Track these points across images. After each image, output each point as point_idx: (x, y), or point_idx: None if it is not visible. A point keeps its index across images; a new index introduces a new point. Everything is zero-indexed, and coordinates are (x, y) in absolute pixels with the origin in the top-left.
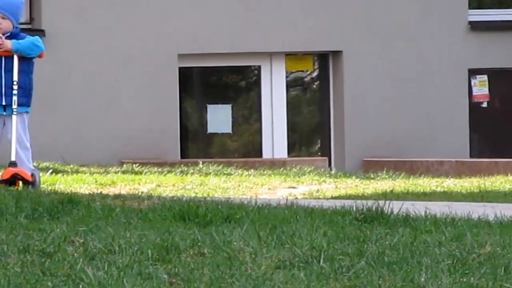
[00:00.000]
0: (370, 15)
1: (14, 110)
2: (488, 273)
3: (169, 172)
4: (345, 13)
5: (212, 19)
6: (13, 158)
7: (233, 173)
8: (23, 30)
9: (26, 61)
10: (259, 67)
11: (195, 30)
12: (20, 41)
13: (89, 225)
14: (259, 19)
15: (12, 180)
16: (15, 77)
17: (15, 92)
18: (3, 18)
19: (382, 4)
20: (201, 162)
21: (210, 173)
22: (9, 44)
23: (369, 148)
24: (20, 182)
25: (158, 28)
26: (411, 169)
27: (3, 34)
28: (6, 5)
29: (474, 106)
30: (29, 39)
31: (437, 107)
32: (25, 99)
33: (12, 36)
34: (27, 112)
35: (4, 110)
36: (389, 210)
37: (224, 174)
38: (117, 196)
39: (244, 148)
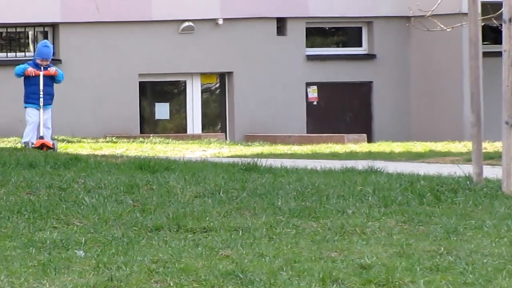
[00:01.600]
0: (249, 52)
1: (42, 107)
2: (317, 199)
3: (133, 142)
4: (235, 51)
5: (157, 53)
6: (41, 134)
7: (170, 142)
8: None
9: (53, 80)
10: (185, 81)
11: (148, 59)
12: (60, 72)
13: (87, 172)
14: (186, 53)
15: (41, 147)
16: (41, 87)
17: (41, 96)
18: (47, 61)
19: (256, 44)
20: (151, 136)
21: (156, 142)
22: (57, 72)
23: (248, 127)
24: (46, 148)
25: (127, 58)
26: (273, 140)
27: (45, 65)
28: (48, 54)
29: (309, 104)
30: (61, 72)
31: (288, 104)
32: (50, 101)
33: (48, 66)
34: (50, 108)
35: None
36: (260, 163)
37: (165, 143)
38: (103, 156)
39: (176, 128)
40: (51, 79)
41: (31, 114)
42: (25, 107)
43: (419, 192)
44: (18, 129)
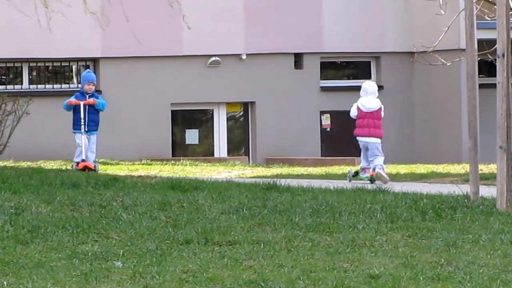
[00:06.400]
0: (269, 84)
1: (84, 133)
2: (330, 216)
3: (165, 164)
4: (257, 82)
5: (188, 85)
6: (83, 157)
7: (198, 164)
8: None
9: (95, 108)
10: (213, 110)
11: (180, 90)
12: (101, 101)
13: (124, 191)
14: (213, 85)
15: (83, 169)
16: (82, 115)
17: (82, 123)
18: (93, 84)
19: (276, 76)
20: (182, 159)
21: (187, 165)
22: (96, 102)
23: (269, 151)
24: (88, 170)
25: (161, 89)
26: (291, 163)
27: (90, 92)
28: (94, 77)
29: (323, 130)
30: (102, 101)
31: (304, 130)
32: (95, 127)
33: (92, 94)
34: (96, 133)
35: (86, 132)
36: (280, 183)
37: (194, 165)
38: (139, 176)
39: (205, 151)
40: (93, 107)
41: (79, 137)
42: (73, 132)
43: (422, 209)
44: (63, 153)
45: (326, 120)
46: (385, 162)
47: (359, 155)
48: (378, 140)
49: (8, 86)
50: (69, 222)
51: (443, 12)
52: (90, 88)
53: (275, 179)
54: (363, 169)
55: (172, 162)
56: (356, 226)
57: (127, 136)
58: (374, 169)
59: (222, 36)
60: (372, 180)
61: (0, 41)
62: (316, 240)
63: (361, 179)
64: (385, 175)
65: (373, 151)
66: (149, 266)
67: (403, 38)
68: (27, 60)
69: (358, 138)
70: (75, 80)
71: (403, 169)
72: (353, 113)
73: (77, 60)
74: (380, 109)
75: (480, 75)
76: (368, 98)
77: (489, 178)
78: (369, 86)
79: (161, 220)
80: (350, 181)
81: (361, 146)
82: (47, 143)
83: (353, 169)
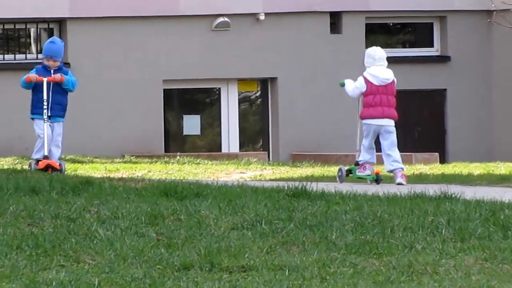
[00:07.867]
0: (296, 54)
1: (46, 119)
2: (379, 232)
3: (156, 162)
4: (280, 52)
5: (186, 56)
6: (46, 153)
7: (201, 162)
8: None
9: (63, 88)
10: (219, 88)
11: (175, 62)
12: (71, 79)
13: (100, 199)
14: (219, 55)
15: (46, 169)
16: (45, 96)
17: (45, 106)
18: (54, 61)
19: (305, 43)
20: (178, 155)
21: (185, 163)
22: (64, 79)
23: (296, 145)
24: (51, 170)
25: (150, 61)
26: (325, 160)
27: (55, 68)
28: (58, 50)
29: None
30: (72, 79)
31: (343, 117)
32: (61, 112)
33: (59, 69)
34: (62, 121)
35: (50, 118)
36: (310, 188)
37: (195, 163)
38: (120, 179)
39: (209, 145)
40: (60, 86)
41: (40, 126)
42: (31, 118)
43: (503, 223)
44: (17, 147)
45: None
46: (453, 159)
47: (419, 150)
48: (393, 123)
49: None
50: (27, 240)
51: None
52: (51, 64)
53: (304, 183)
54: (362, 165)
55: (165, 159)
56: (413, 245)
57: (104, 125)
58: (393, 172)
59: None
60: (378, 180)
61: None
62: (359, 264)
63: (360, 179)
64: (405, 183)
65: (390, 139)
66: None
67: None
68: None
69: (366, 121)
70: (33, 48)
71: (477, 168)
72: (360, 88)
73: (36, 21)
74: (393, 81)
75: None
76: (377, 67)
77: None
78: (375, 51)
79: (150, 238)
80: (341, 182)
81: (367, 131)
82: None
83: (345, 166)
